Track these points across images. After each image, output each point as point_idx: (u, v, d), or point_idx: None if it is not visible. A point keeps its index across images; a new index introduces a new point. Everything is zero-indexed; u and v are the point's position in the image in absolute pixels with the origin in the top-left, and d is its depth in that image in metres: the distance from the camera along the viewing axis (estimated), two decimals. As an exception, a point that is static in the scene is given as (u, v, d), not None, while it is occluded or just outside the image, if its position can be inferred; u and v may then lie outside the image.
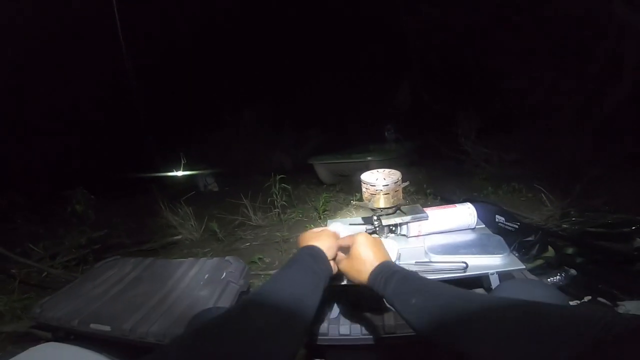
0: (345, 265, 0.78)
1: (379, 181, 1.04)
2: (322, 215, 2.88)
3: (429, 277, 0.71)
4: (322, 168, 4.13)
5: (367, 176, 1.07)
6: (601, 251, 1.74)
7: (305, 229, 2.66)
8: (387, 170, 1.11)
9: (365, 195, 1.08)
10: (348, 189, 3.71)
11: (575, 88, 3.53)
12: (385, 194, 1.04)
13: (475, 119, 3.78)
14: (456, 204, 1.24)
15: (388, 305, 0.69)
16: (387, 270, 0.69)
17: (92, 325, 1.10)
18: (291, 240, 2.50)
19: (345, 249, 0.81)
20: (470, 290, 0.63)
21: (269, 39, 6.40)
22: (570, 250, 1.87)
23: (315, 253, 0.78)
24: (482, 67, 4.36)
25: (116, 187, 4.43)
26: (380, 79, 6.00)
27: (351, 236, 0.81)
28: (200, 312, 0.86)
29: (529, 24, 3.88)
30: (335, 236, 0.87)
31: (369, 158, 3.86)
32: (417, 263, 1.00)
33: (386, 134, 4.52)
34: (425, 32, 5.10)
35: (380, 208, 1.07)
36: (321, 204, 2.90)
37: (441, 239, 1.20)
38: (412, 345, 1.09)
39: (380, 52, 6.01)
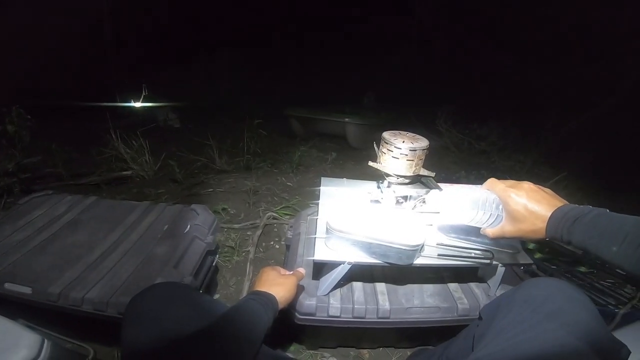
0: (513, 230, 0.67)
1: (405, 144, 0.84)
2: (295, 170, 2.67)
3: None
4: (298, 121, 3.86)
5: (390, 136, 0.87)
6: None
7: (277, 181, 2.46)
8: (410, 133, 0.92)
9: (384, 157, 0.88)
10: (321, 147, 3.50)
11: (559, 89, 3.64)
12: (410, 160, 0.86)
13: (456, 103, 3.72)
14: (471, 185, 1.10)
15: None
16: (567, 218, 0.60)
17: (6, 286, 0.83)
18: (259, 192, 2.28)
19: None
20: None
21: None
22: (531, 246, 1.90)
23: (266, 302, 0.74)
24: (482, 55, 4.35)
25: (64, 112, 3.78)
26: (374, 46, 5.67)
27: (492, 187, 0.72)
28: (153, 289, 0.64)
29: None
30: (298, 288, 0.85)
31: (347, 119, 3.65)
32: (438, 245, 0.86)
33: (365, 100, 4.29)
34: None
35: (398, 175, 0.89)
36: (296, 158, 2.68)
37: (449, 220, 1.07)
38: (405, 330, 0.99)
39: (380, 18, 5.62)
